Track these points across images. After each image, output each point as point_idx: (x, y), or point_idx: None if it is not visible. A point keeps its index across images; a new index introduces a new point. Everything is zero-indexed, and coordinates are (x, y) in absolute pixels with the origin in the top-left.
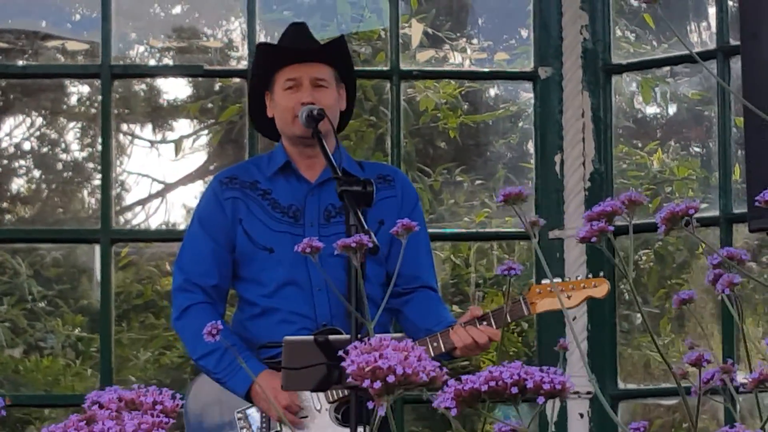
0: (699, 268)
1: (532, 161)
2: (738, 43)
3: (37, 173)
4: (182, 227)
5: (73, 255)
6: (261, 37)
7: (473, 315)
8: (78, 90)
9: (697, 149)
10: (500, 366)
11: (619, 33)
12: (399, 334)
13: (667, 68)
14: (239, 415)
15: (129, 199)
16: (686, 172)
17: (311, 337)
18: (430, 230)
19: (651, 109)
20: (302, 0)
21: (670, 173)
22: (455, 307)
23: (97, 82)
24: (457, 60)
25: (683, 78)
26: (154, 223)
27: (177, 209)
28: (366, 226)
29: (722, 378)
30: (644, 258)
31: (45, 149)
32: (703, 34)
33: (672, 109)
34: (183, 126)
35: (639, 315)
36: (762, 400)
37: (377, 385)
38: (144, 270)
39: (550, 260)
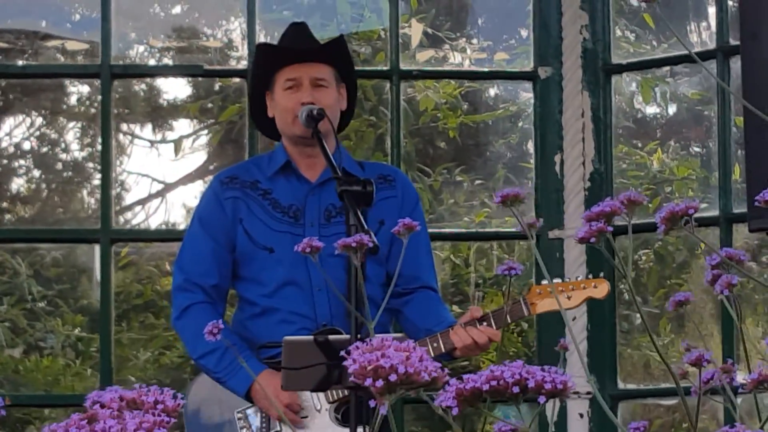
0: (699, 268)
1: (532, 161)
2: (738, 43)
3: (37, 173)
4: (182, 227)
5: (73, 255)
6: (261, 37)
7: (473, 315)
8: (78, 90)
9: (696, 149)
10: (502, 365)
11: (618, 33)
12: (400, 335)
13: (667, 68)
14: (239, 414)
15: (129, 199)
16: (686, 172)
17: (311, 337)
18: (430, 230)
19: (651, 109)
20: (302, 0)
21: (669, 173)
22: (455, 307)
23: (97, 82)
24: (456, 60)
25: (683, 78)
26: (153, 223)
27: (177, 209)
28: (366, 226)
29: (722, 378)
30: (644, 258)
31: (45, 149)
32: (702, 34)
33: (672, 109)
34: (183, 126)
35: (639, 315)
36: (761, 401)
37: (379, 383)
38: (144, 270)
39: (550, 260)
